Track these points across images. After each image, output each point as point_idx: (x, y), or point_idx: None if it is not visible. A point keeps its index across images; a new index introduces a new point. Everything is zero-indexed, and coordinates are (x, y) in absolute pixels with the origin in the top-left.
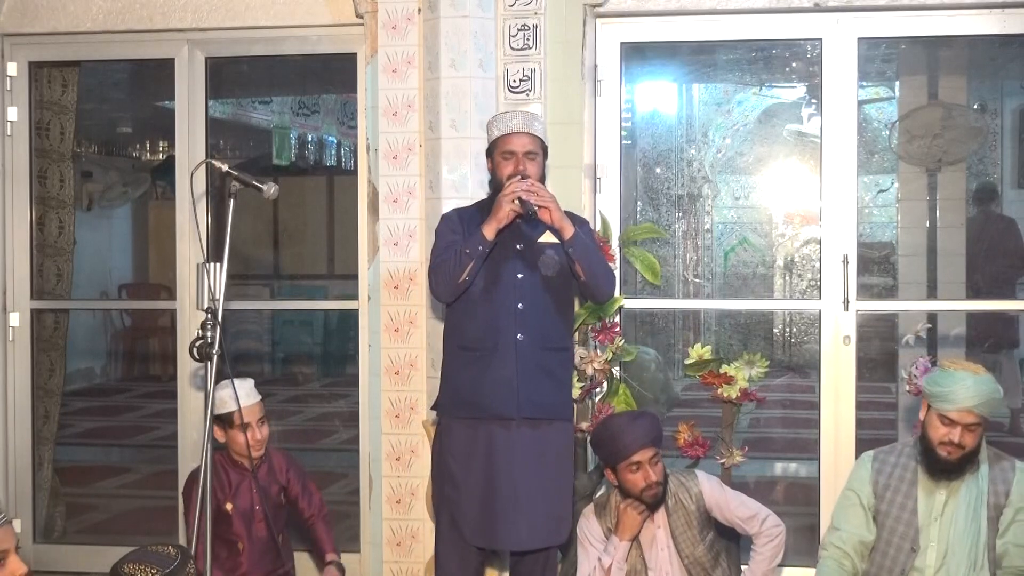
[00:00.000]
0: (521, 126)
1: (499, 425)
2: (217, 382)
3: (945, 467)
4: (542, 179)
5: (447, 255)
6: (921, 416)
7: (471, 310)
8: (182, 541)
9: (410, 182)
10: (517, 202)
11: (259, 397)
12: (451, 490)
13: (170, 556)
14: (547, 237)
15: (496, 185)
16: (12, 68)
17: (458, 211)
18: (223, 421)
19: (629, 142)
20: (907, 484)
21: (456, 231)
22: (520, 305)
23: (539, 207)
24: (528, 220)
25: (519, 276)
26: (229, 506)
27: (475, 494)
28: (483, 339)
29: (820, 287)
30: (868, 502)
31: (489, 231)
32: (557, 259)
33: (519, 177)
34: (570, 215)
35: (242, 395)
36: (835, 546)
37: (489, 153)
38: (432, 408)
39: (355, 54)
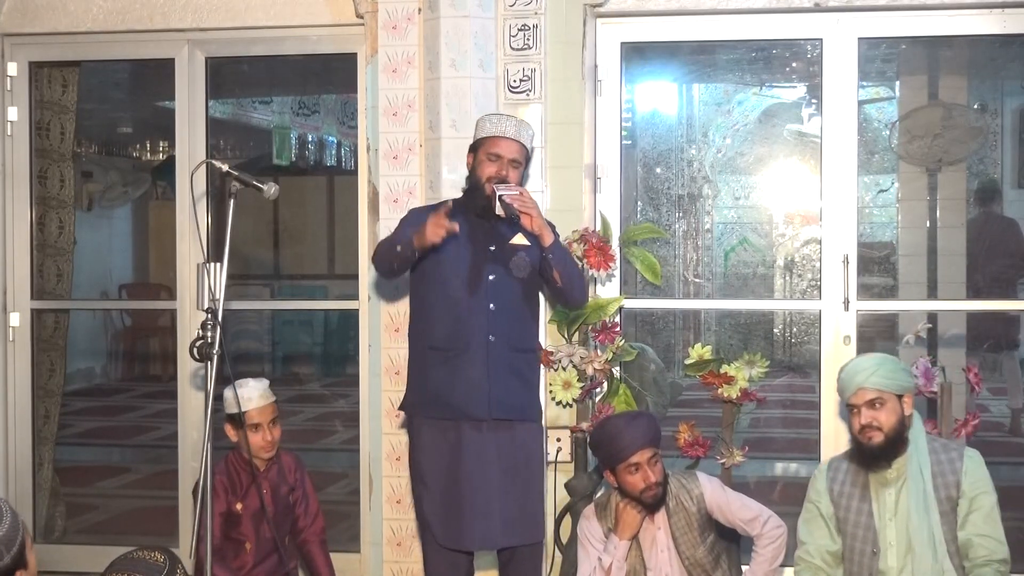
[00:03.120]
0: (513, 133)
1: (469, 426)
2: (218, 382)
3: (873, 453)
4: (517, 183)
5: (390, 237)
6: None
7: (441, 310)
8: (187, 541)
9: (410, 182)
10: (499, 207)
11: (273, 398)
12: (422, 489)
13: (158, 564)
14: (519, 239)
15: (473, 180)
16: (12, 68)
17: (422, 207)
18: (235, 421)
19: (629, 142)
20: (860, 487)
21: (418, 221)
22: (492, 306)
23: (521, 213)
24: (510, 223)
25: (491, 277)
26: (239, 506)
27: (444, 494)
28: (454, 339)
29: (820, 287)
30: (828, 512)
31: (416, 242)
32: (528, 261)
33: (497, 181)
34: (515, 215)
35: (256, 396)
36: (806, 561)
37: (473, 148)
38: (400, 409)
39: (355, 54)
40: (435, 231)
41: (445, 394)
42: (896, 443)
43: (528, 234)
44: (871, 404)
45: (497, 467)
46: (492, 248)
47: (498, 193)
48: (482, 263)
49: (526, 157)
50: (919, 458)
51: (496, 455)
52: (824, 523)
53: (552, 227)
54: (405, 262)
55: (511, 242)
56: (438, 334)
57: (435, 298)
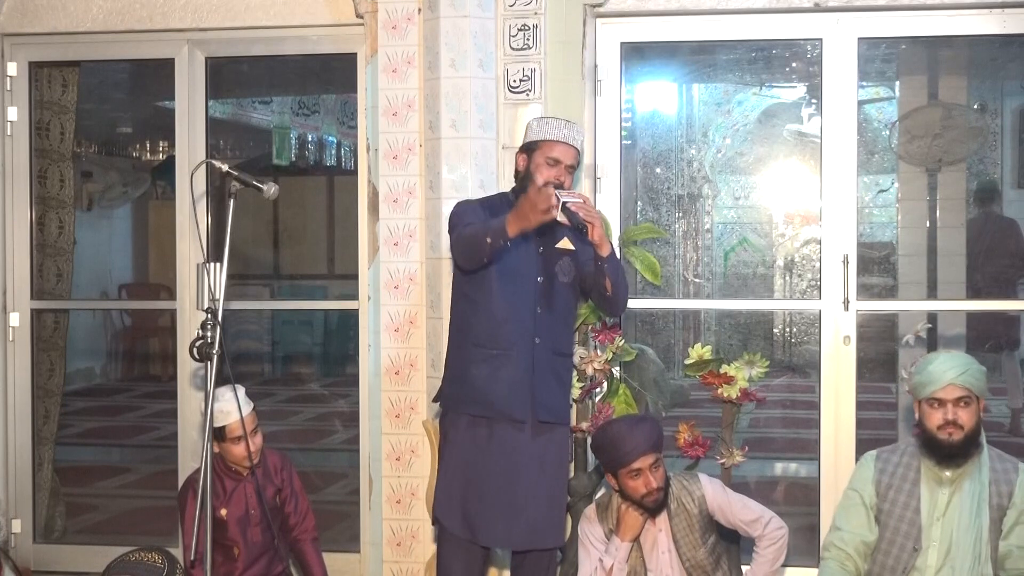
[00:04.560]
0: (573, 139)
1: (509, 426)
2: (217, 383)
3: (951, 451)
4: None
5: (471, 228)
6: (916, 416)
7: (488, 309)
8: (181, 546)
9: (410, 182)
10: (561, 215)
11: (251, 406)
12: (447, 481)
13: (156, 565)
14: (564, 243)
15: (527, 184)
16: (12, 68)
17: (476, 200)
18: (216, 433)
19: (629, 142)
20: (910, 483)
21: (479, 216)
22: (539, 309)
23: (586, 222)
24: (576, 232)
25: (539, 280)
26: (224, 512)
27: (470, 489)
28: (499, 339)
29: (820, 287)
30: (871, 502)
31: (512, 230)
32: (574, 266)
33: (555, 186)
34: (581, 224)
35: (233, 408)
36: (837, 547)
37: (527, 150)
38: (434, 400)
39: (355, 54)
40: (546, 203)
41: (486, 392)
42: (971, 444)
43: (577, 240)
44: (959, 401)
45: (532, 469)
46: (541, 250)
47: (562, 200)
48: (531, 265)
49: (579, 162)
50: (981, 462)
51: (533, 457)
52: (865, 512)
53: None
54: (496, 253)
55: (557, 246)
56: (483, 332)
57: (483, 297)
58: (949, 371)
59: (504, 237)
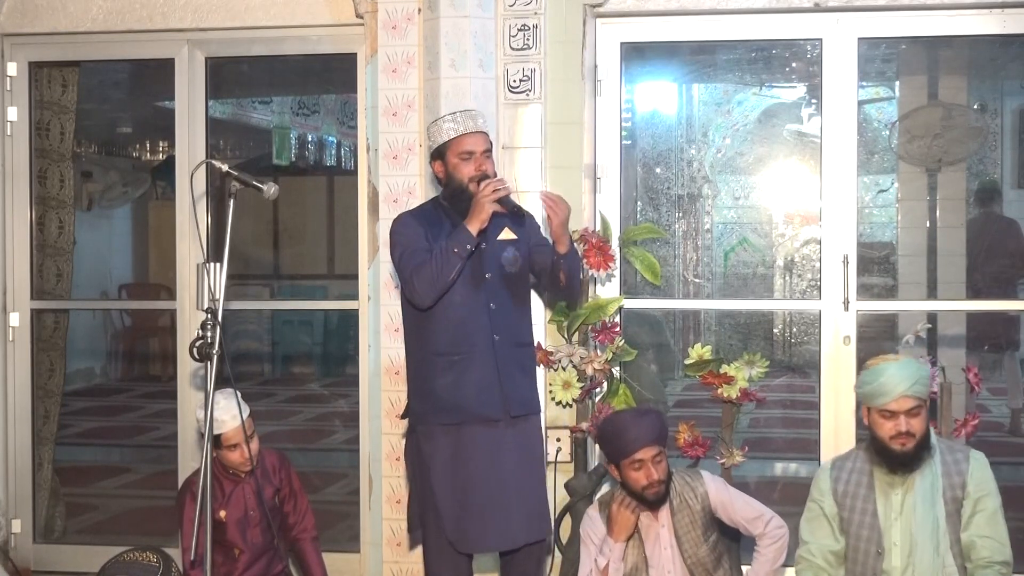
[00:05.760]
0: (474, 125)
1: (484, 427)
2: (217, 384)
3: (904, 460)
4: (494, 173)
5: (426, 257)
6: (865, 421)
7: (443, 315)
8: (180, 547)
9: (410, 182)
10: (493, 203)
11: (247, 412)
12: (432, 496)
13: (152, 565)
14: (505, 234)
15: (453, 185)
16: (12, 68)
17: (410, 214)
18: (212, 440)
19: (629, 142)
20: (864, 488)
21: (419, 233)
22: (492, 305)
23: (551, 215)
24: (514, 217)
25: (487, 276)
26: (223, 514)
27: (461, 499)
28: (459, 343)
29: (820, 287)
30: (831, 512)
31: (474, 229)
32: (518, 255)
33: (490, 178)
34: (516, 208)
35: (228, 418)
36: (807, 560)
37: (438, 155)
38: (402, 417)
39: (355, 54)
40: (488, 208)
41: (454, 398)
42: (923, 449)
43: (517, 226)
44: (911, 412)
45: (514, 464)
46: (483, 246)
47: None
48: (476, 262)
49: (490, 144)
50: (935, 460)
51: (513, 452)
52: (827, 523)
53: (530, 215)
54: (467, 260)
55: (499, 238)
56: (442, 339)
57: (436, 305)
58: (901, 383)
59: (471, 240)
